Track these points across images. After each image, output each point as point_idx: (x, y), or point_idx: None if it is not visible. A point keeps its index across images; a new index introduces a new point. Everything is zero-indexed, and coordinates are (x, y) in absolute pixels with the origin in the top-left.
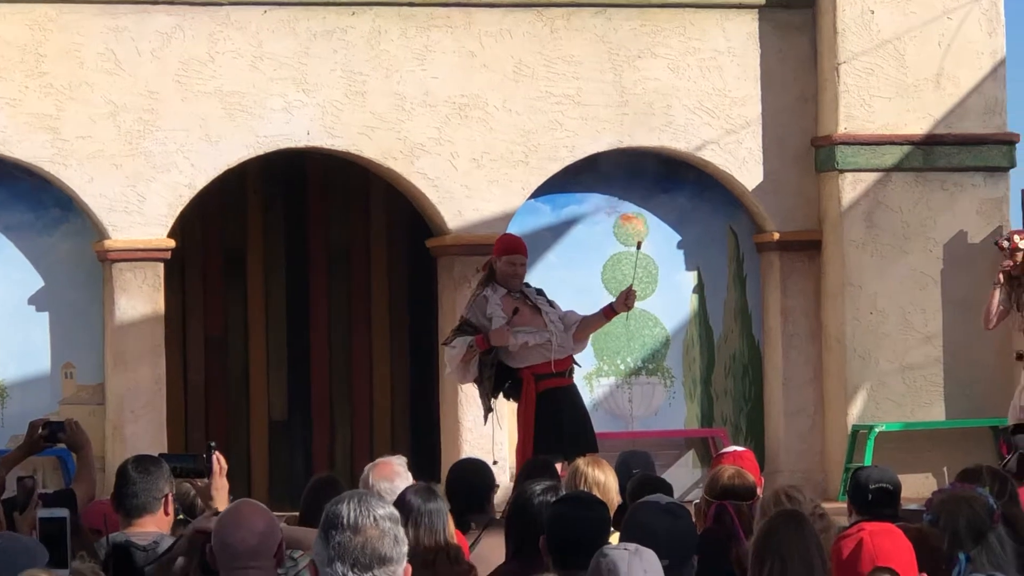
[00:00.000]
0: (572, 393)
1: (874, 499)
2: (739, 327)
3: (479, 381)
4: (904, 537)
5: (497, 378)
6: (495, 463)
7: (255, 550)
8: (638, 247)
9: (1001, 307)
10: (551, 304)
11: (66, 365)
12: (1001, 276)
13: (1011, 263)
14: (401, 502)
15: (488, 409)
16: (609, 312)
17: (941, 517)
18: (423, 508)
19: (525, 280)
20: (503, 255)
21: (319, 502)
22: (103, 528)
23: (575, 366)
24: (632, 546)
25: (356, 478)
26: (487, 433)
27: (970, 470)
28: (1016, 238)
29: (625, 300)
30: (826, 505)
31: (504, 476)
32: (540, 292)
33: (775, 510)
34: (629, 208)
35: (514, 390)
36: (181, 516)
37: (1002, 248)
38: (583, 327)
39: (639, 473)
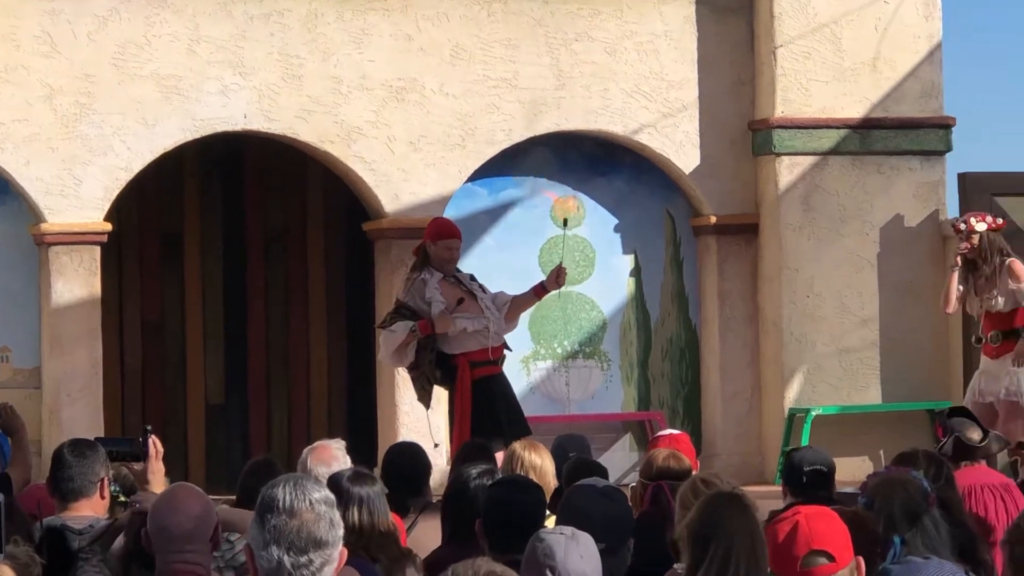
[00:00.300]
0: (504, 381)
1: (808, 481)
2: (676, 310)
3: (415, 366)
4: (840, 520)
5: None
6: (436, 446)
7: (191, 534)
8: (565, 224)
9: (959, 290)
10: (483, 289)
11: (2, 349)
12: (958, 259)
13: (968, 246)
14: (336, 486)
15: (427, 394)
16: (540, 291)
17: (876, 500)
18: (359, 492)
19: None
20: (438, 239)
21: (256, 485)
22: (38, 512)
23: (507, 352)
24: (568, 530)
25: (293, 461)
26: (423, 416)
27: (906, 453)
28: (973, 221)
29: (556, 278)
30: (764, 488)
31: (441, 460)
32: (472, 277)
33: (705, 495)
34: (565, 191)
35: (446, 377)
36: (122, 498)
37: (959, 231)
38: (514, 307)
39: (575, 456)
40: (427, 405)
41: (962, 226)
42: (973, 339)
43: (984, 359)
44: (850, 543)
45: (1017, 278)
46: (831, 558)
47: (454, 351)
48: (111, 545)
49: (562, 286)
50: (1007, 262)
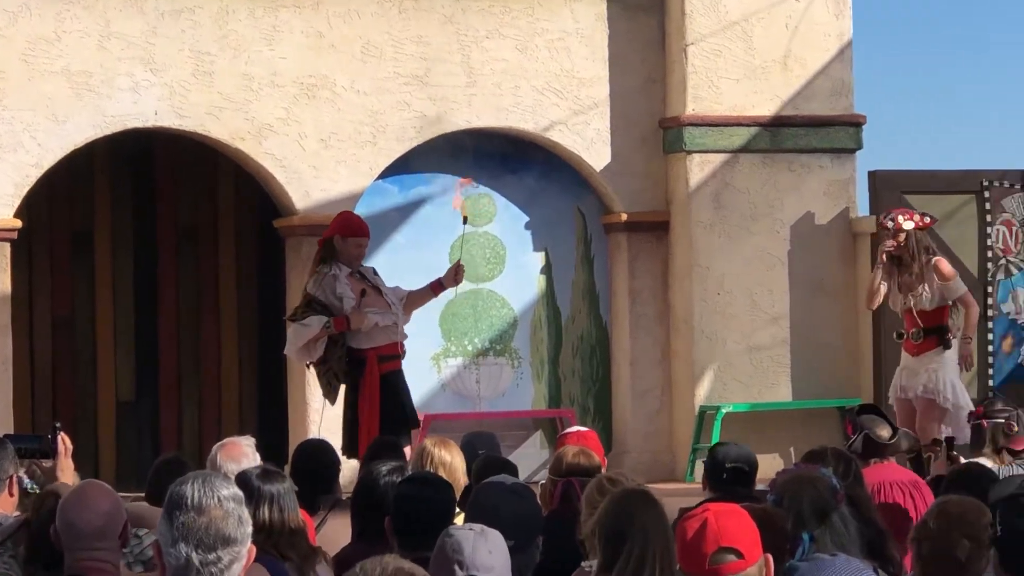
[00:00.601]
0: (403, 376)
1: (729, 477)
2: (587, 308)
3: (323, 361)
4: (749, 518)
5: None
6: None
7: (100, 531)
8: (464, 221)
9: (883, 287)
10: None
11: None
12: (884, 256)
13: (894, 243)
14: (245, 484)
15: (334, 390)
16: (437, 287)
17: (785, 497)
18: (268, 490)
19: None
20: (348, 236)
21: (164, 483)
22: None
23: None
24: (477, 526)
25: (204, 459)
26: (336, 414)
27: (815, 451)
28: (900, 219)
29: (455, 275)
30: (674, 486)
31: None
32: (375, 271)
33: (613, 493)
34: (479, 190)
35: (351, 372)
36: (36, 490)
37: (885, 228)
38: (409, 303)
39: (484, 454)
40: (332, 401)
41: (889, 223)
42: (895, 335)
43: (905, 355)
44: (759, 541)
45: (944, 276)
46: (739, 555)
47: (363, 346)
48: (22, 543)
49: (460, 283)
50: (933, 260)
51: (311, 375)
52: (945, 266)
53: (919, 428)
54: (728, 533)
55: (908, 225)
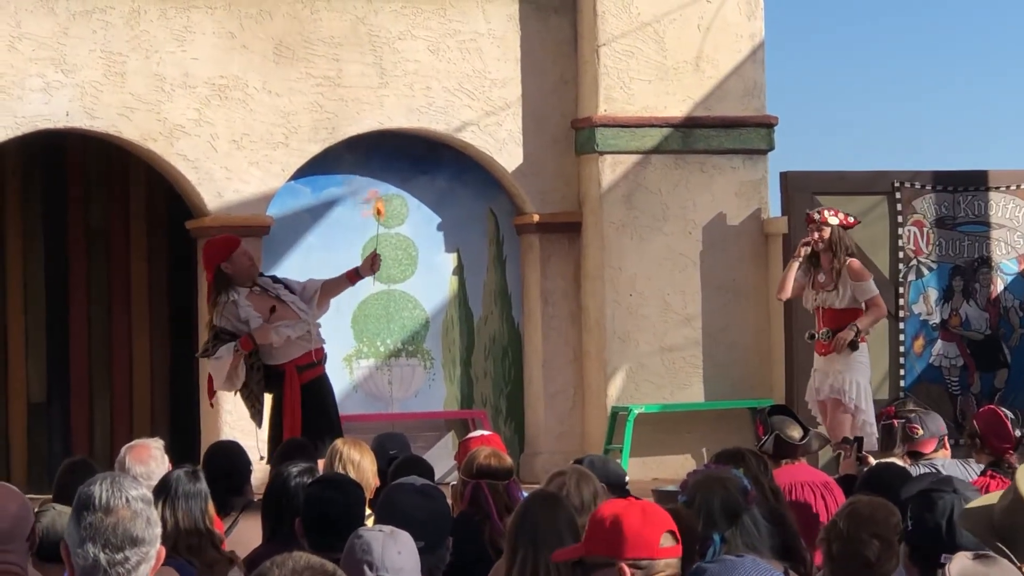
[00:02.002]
0: (328, 381)
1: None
2: (499, 309)
3: (244, 385)
4: (663, 510)
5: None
6: (262, 459)
7: (9, 533)
8: (379, 214)
9: (797, 282)
10: (290, 290)
11: None
12: (802, 250)
13: (816, 237)
14: (163, 484)
15: (258, 413)
16: (353, 275)
17: (696, 498)
18: (182, 491)
19: (261, 272)
20: (231, 255)
21: (71, 485)
22: None
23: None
24: (387, 528)
25: (115, 460)
26: (246, 414)
27: (728, 451)
28: (826, 213)
29: (371, 264)
30: None
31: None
32: (276, 280)
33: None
34: (388, 189)
35: (271, 384)
36: None
37: (812, 221)
38: (325, 292)
39: (403, 455)
40: (259, 423)
41: (816, 216)
42: (806, 335)
43: (817, 357)
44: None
45: (857, 277)
46: (676, 539)
47: (280, 361)
48: None
49: (376, 271)
50: (847, 261)
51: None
52: (858, 267)
53: (828, 428)
54: (666, 518)
55: (833, 220)
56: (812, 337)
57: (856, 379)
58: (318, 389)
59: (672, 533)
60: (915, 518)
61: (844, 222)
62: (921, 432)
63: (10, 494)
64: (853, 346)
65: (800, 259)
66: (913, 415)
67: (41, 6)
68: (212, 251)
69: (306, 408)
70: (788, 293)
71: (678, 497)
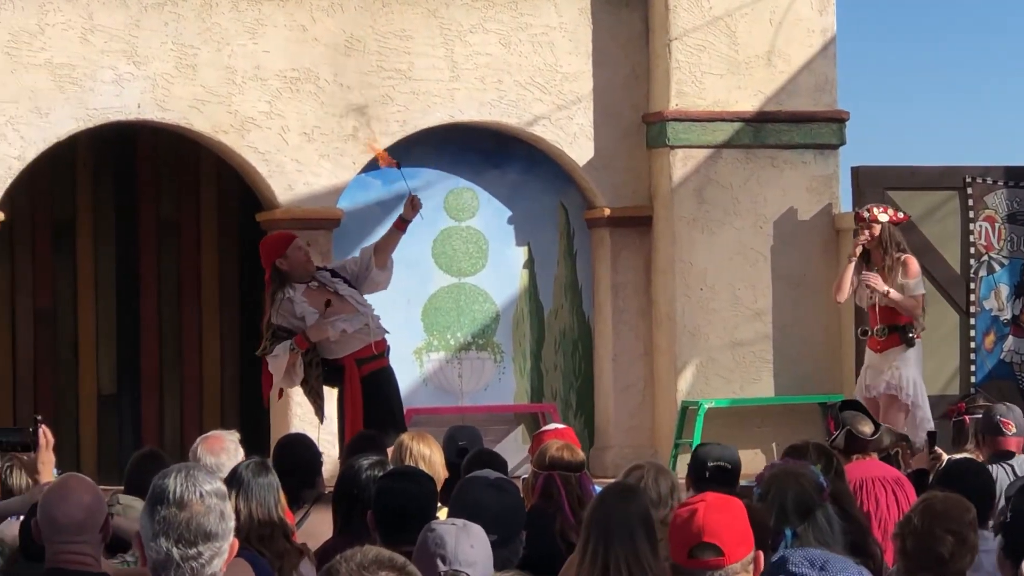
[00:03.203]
0: (392, 374)
1: (711, 476)
2: (569, 303)
3: (304, 381)
4: (742, 513)
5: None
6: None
7: (81, 524)
8: (398, 166)
9: (853, 281)
10: (347, 277)
11: None
12: (857, 250)
13: (869, 236)
14: (233, 476)
15: (320, 409)
16: (400, 224)
17: (770, 491)
18: (254, 482)
19: (319, 265)
20: (284, 251)
21: (142, 477)
22: None
23: (388, 339)
24: (459, 521)
25: (186, 452)
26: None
27: (797, 446)
28: (876, 211)
29: (411, 205)
30: None
31: (334, 451)
32: (334, 273)
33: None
34: (459, 183)
35: (333, 378)
36: None
37: (861, 219)
38: (380, 251)
39: (476, 449)
40: (321, 419)
41: (865, 214)
42: (859, 332)
43: (869, 353)
44: (749, 537)
45: (909, 274)
46: (719, 552)
47: (339, 355)
48: None
49: (418, 210)
50: (903, 258)
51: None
52: (913, 264)
53: (888, 422)
54: (711, 528)
55: (883, 218)
56: (865, 333)
57: (912, 375)
58: (380, 382)
59: (714, 547)
60: (1015, 511)
61: (894, 218)
62: (1015, 429)
63: (83, 485)
64: (909, 342)
65: (855, 258)
66: (1004, 409)
67: None
68: (268, 248)
69: (367, 401)
70: (846, 294)
71: (753, 490)
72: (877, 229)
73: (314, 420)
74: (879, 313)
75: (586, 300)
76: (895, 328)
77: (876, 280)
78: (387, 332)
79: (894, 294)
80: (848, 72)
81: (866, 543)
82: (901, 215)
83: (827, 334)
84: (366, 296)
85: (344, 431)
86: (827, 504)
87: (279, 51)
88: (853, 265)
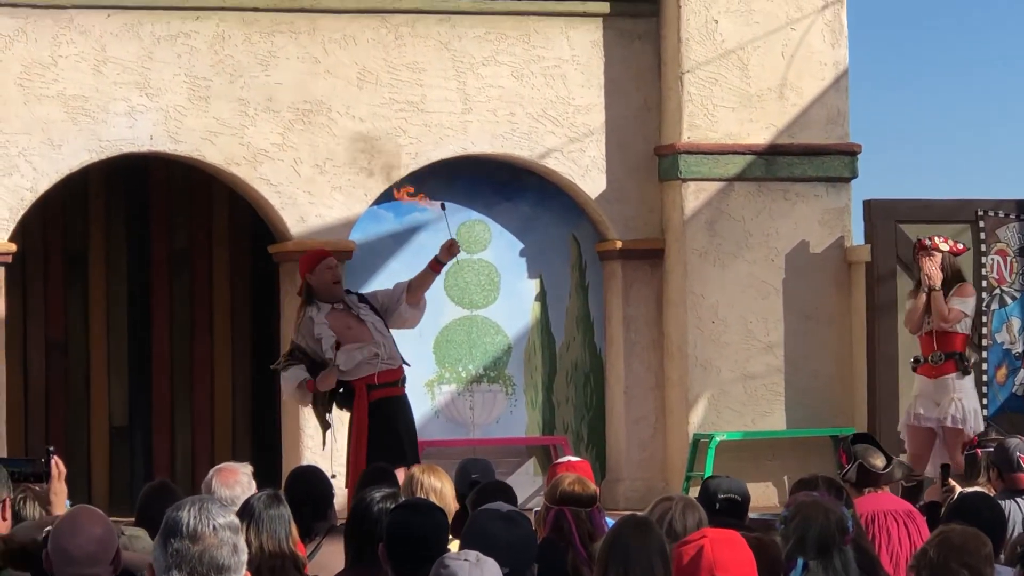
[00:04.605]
0: (404, 404)
1: (721, 508)
2: (581, 335)
3: (313, 401)
4: (746, 546)
5: (332, 394)
6: (334, 476)
7: (94, 556)
8: (443, 207)
9: (917, 309)
10: (374, 310)
11: None
12: (927, 281)
13: (932, 276)
14: (245, 508)
15: (325, 428)
16: (435, 265)
17: (795, 518)
18: (265, 514)
19: (349, 289)
20: (315, 267)
21: (152, 508)
22: None
23: (405, 375)
24: (473, 555)
25: (197, 484)
26: (327, 441)
27: (806, 479)
28: (937, 240)
29: (449, 249)
30: None
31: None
32: (362, 298)
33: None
34: (471, 215)
35: (347, 399)
36: None
37: (923, 247)
38: (414, 289)
39: (486, 481)
40: (323, 442)
41: (927, 243)
42: (911, 360)
43: (921, 382)
44: (755, 570)
45: (960, 293)
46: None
47: (351, 377)
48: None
49: (456, 254)
50: (959, 286)
51: None
52: (968, 288)
53: (931, 454)
54: (722, 562)
55: (944, 247)
56: (917, 361)
57: (974, 406)
58: (390, 411)
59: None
60: None
61: (954, 249)
62: None
63: (94, 517)
64: (965, 370)
65: (927, 290)
66: (1018, 443)
67: (126, 30)
68: (303, 262)
69: (375, 428)
70: (920, 324)
71: (782, 512)
72: (939, 258)
73: (326, 452)
74: (936, 339)
75: (598, 332)
76: (951, 355)
77: (933, 268)
78: (407, 364)
79: (940, 297)
80: (860, 105)
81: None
82: (961, 246)
83: (839, 367)
84: (392, 331)
85: (349, 455)
86: (847, 549)
87: (292, 83)
88: (924, 296)
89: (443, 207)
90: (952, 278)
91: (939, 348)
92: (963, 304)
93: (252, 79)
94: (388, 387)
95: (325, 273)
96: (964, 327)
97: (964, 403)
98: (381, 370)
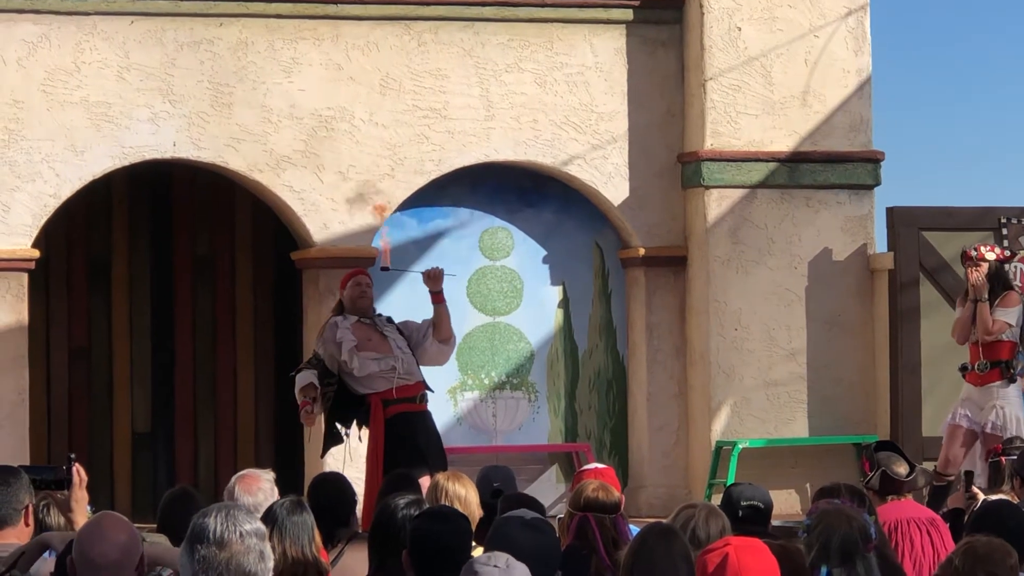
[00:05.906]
0: (425, 418)
1: (744, 516)
2: (604, 342)
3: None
4: (770, 553)
5: (342, 405)
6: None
7: (117, 563)
8: (384, 270)
9: (964, 318)
10: (399, 331)
11: None
12: (976, 290)
13: (978, 275)
14: (268, 514)
15: (329, 439)
16: (435, 297)
17: (819, 526)
18: (288, 521)
19: (378, 310)
20: (346, 281)
21: (174, 515)
22: None
23: (427, 392)
24: (502, 561)
25: (220, 491)
26: (353, 447)
27: (828, 487)
28: (983, 249)
29: (429, 279)
30: None
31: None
32: (390, 320)
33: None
34: (493, 222)
35: (365, 415)
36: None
37: (969, 257)
38: (436, 328)
39: (511, 492)
40: (322, 452)
41: (973, 253)
42: (959, 367)
43: (968, 387)
44: (777, 573)
45: (1004, 302)
46: None
47: (364, 391)
48: (27, 569)
49: (441, 277)
50: (1005, 294)
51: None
52: (1013, 297)
53: (967, 456)
54: (747, 569)
55: (990, 256)
56: (965, 368)
57: (1018, 413)
58: (409, 426)
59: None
60: None
61: (1001, 256)
62: None
63: (119, 524)
64: (1011, 378)
65: (977, 300)
66: None
67: (149, 37)
68: (342, 279)
69: (393, 443)
70: (967, 335)
71: (804, 519)
72: (985, 268)
73: (347, 459)
74: (982, 348)
75: (620, 340)
76: (996, 363)
77: (979, 278)
78: (431, 391)
79: (985, 309)
80: (883, 112)
81: None
82: (1008, 252)
83: (862, 375)
84: (422, 368)
85: (367, 470)
86: (871, 556)
87: (314, 90)
88: (971, 306)
89: (385, 269)
90: (998, 287)
91: (985, 357)
92: (1007, 314)
93: (275, 86)
94: (406, 402)
95: (352, 289)
96: (1011, 335)
97: (1006, 410)
98: (398, 385)
